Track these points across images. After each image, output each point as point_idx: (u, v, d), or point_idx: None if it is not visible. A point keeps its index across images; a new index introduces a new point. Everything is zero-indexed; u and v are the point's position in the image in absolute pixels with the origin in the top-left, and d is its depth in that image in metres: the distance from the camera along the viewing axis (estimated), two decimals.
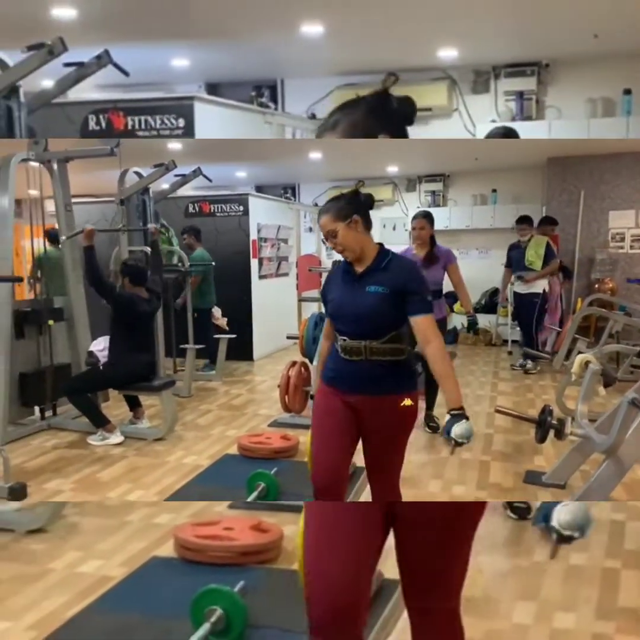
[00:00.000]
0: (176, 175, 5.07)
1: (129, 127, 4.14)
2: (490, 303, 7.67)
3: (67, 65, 2.94)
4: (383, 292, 1.78)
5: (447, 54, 5.20)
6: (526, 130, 5.34)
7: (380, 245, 1.90)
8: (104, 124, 4.15)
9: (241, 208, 6.39)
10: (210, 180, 5.23)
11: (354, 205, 1.86)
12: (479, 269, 7.33)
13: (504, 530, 2.53)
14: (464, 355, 6.76)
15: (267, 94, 5.92)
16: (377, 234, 8.84)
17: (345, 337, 1.82)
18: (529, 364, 5.54)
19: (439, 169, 7.73)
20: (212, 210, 6.42)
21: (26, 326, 3.75)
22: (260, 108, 5.53)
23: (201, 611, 1.75)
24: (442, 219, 7.89)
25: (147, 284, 3.73)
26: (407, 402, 1.83)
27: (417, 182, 8.07)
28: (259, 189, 8.04)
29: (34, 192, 3.85)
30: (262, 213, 6.73)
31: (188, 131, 4.19)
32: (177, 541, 2.24)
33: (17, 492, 2.73)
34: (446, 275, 3.68)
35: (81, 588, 2.12)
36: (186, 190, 6.11)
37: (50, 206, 4.17)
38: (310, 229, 8.51)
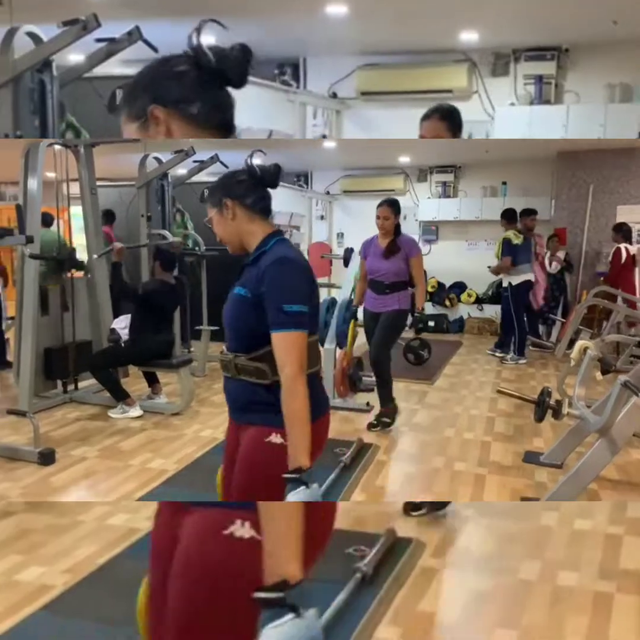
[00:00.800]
0: (194, 161, 5.21)
1: None
2: (496, 294, 7.79)
3: (99, 40, 2.94)
4: (244, 296, 1.41)
5: (469, 36, 5.27)
6: (544, 114, 5.44)
7: (273, 232, 1.47)
8: None
9: None
10: (226, 167, 5.36)
11: (227, 187, 1.46)
12: (487, 260, 7.44)
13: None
14: (470, 344, 6.91)
15: (290, 72, 5.94)
16: None
17: (223, 348, 1.49)
18: (521, 360, 5.62)
19: (450, 160, 7.83)
20: None
21: (51, 302, 3.94)
22: (283, 86, 5.55)
23: None
24: (453, 209, 8.02)
25: (175, 271, 3.91)
26: (273, 438, 1.38)
27: (428, 172, 8.16)
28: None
29: (50, 174, 3.99)
30: (275, 200, 6.82)
31: None
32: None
33: (47, 457, 2.93)
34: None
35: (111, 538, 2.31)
36: (202, 176, 6.25)
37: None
38: (322, 217, 8.65)
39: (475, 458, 3.15)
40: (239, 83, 1.01)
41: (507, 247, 5.65)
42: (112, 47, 2.99)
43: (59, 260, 3.92)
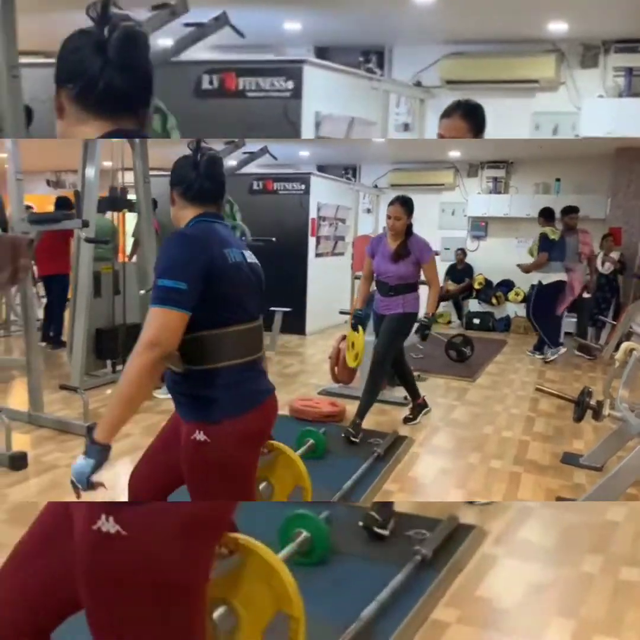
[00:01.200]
0: (244, 153, 5.31)
1: (240, 87, 4.25)
2: None
3: (187, 25, 3.00)
4: None
5: (557, 27, 5.15)
6: (633, 107, 5.23)
7: (199, 215, 1.43)
8: (216, 84, 4.27)
9: (303, 187, 6.59)
10: (275, 159, 5.44)
11: (171, 175, 1.46)
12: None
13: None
14: (515, 343, 6.78)
15: (375, 60, 5.94)
16: (436, 219, 8.85)
17: None
18: (537, 354, 5.84)
19: (502, 155, 7.67)
20: (275, 188, 6.66)
21: (103, 285, 4.13)
22: (367, 73, 5.54)
23: (289, 533, 2.00)
24: (503, 206, 7.87)
25: None
26: (197, 435, 1.34)
27: (479, 167, 8.03)
28: (321, 168, 8.20)
29: (107, 163, 4.15)
30: (323, 192, 6.91)
31: (296, 93, 4.28)
32: (291, 407, 3.53)
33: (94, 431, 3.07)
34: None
35: None
36: (251, 168, 6.36)
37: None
38: (369, 210, 8.64)
39: (511, 456, 3.11)
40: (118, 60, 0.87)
41: (544, 243, 5.52)
42: (200, 32, 3.03)
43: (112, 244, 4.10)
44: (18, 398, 3.87)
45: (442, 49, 5.63)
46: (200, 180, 1.42)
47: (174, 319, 1.26)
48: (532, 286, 5.98)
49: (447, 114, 2.00)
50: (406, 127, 5.93)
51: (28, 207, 4.34)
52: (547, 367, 5.46)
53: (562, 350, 5.60)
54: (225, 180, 1.49)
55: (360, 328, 3.42)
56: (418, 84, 5.72)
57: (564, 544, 2.29)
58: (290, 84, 4.28)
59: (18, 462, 2.69)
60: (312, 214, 6.65)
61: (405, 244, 3.24)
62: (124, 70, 0.88)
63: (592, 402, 2.59)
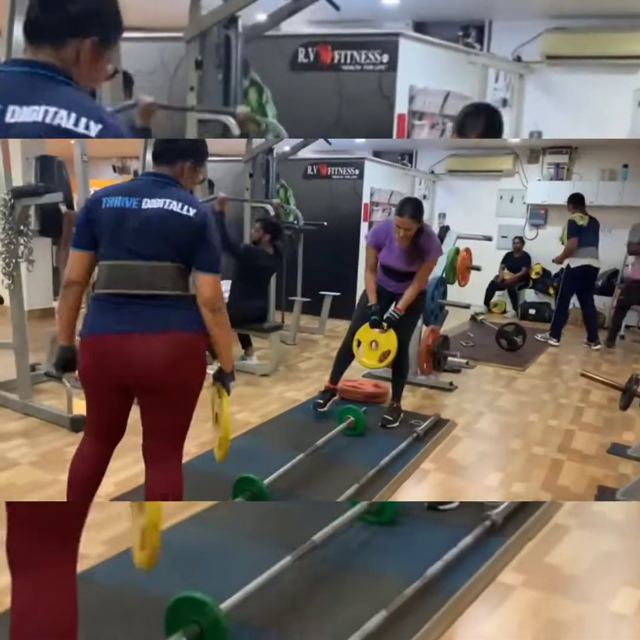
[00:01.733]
0: None
1: (336, 60, 4.29)
2: (607, 285, 7.31)
3: None
4: None
5: None
6: None
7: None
8: (312, 57, 4.32)
9: (357, 172, 6.60)
10: (329, 143, 5.45)
11: None
12: (601, 249, 7.00)
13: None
14: (571, 334, 6.56)
15: (474, 35, 5.81)
16: (494, 206, 8.63)
17: None
18: (552, 341, 5.91)
19: (565, 140, 7.39)
20: (329, 173, 6.70)
21: None
22: (465, 48, 5.46)
23: (342, 417, 2.92)
24: (565, 193, 7.53)
25: (277, 243, 4.12)
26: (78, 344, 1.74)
27: (540, 153, 7.78)
28: (377, 154, 8.17)
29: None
30: (377, 178, 6.90)
31: (391, 67, 4.28)
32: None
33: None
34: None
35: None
36: (306, 153, 6.43)
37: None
38: (425, 196, 8.53)
39: (556, 444, 3.06)
40: None
41: (572, 229, 5.69)
42: (295, 5, 3.04)
43: None
44: None
45: (543, 24, 5.43)
46: (157, 160, 1.70)
47: (73, 256, 1.68)
48: (609, 279, 5.93)
49: (399, 213, 2.80)
50: (505, 102, 5.78)
51: None
52: (602, 359, 5.28)
53: (554, 342, 5.86)
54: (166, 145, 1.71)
55: (385, 325, 3.06)
56: (518, 59, 5.58)
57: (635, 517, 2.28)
58: (385, 57, 4.27)
59: (78, 424, 2.89)
60: (365, 199, 6.66)
61: (416, 245, 3.00)
62: None
63: None
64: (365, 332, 3.12)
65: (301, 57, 4.35)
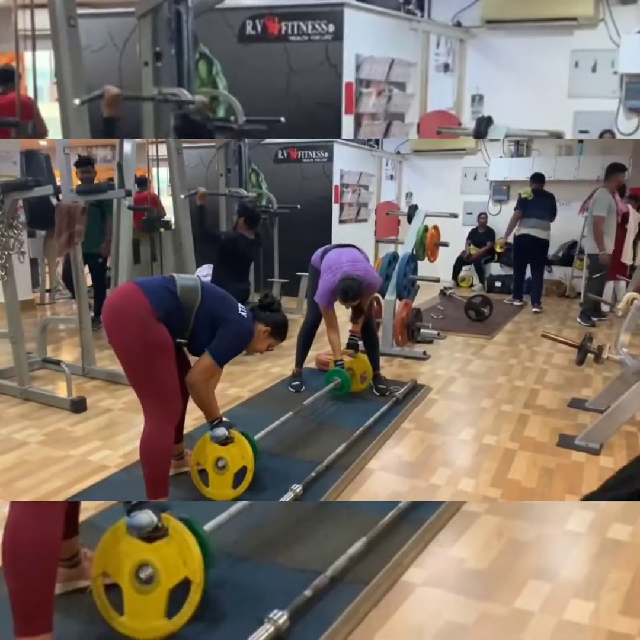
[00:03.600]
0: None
1: (283, 32, 4.41)
2: (567, 255, 7.70)
3: None
4: None
5: None
6: None
7: None
8: (260, 29, 4.43)
9: (326, 154, 6.77)
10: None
11: None
12: (558, 221, 7.35)
13: None
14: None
15: (415, 2, 5.91)
16: (458, 184, 8.92)
17: None
18: (515, 302, 6.75)
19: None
20: (299, 157, 6.85)
21: (142, 253, 4.45)
22: (407, 15, 5.59)
23: (330, 379, 3.21)
24: (525, 169, 7.89)
25: (256, 228, 4.27)
26: None
27: None
28: (339, 137, 8.31)
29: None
30: (346, 160, 7.08)
31: (337, 36, 4.42)
32: (317, 360, 3.94)
33: None
34: None
35: None
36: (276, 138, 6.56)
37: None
38: (392, 177, 8.77)
39: (522, 401, 3.36)
40: None
41: (518, 202, 6.66)
42: None
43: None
44: (69, 355, 4.26)
45: None
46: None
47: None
48: (570, 249, 6.42)
49: (343, 302, 3.16)
50: (446, 67, 5.97)
51: None
52: (564, 326, 5.63)
53: (517, 303, 6.71)
54: None
55: (352, 351, 3.41)
56: (458, 25, 5.75)
57: None
58: (331, 27, 4.42)
59: (78, 405, 3.06)
60: (335, 181, 6.85)
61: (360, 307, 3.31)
62: None
63: (593, 347, 2.81)
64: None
65: (249, 29, 4.44)
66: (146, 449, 1.94)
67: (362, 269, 3.21)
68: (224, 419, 2.19)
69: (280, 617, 1.47)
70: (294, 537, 1.96)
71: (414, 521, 2.00)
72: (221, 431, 2.13)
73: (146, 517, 1.43)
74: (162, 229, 4.49)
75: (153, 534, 1.45)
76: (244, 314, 2.14)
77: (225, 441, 2.13)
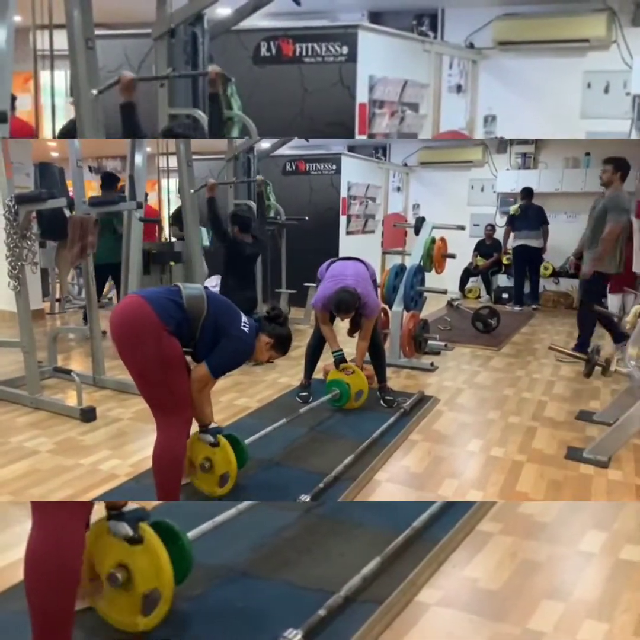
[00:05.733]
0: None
1: (297, 53, 4.48)
2: (576, 267, 7.69)
3: None
4: None
5: None
6: None
7: None
8: (274, 51, 4.50)
9: (334, 167, 6.83)
10: (307, 141, 5.65)
11: None
12: (566, 233, 7.36)
13: None
14: (543, 316, 6.94)
15: (427, 23, 6.03)
16: (465, 196, 8.97)
17: None
18: (516, 307, 7.26)
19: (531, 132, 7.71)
20: (307, 169, 6.92)
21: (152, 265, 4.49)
22: (420, 37, 5.67)
23: (329, 390, 3.24)
24: (532, 181, 7.93)
25: (252, 231, 4.32)
26: None
27: (508, 144, 8.10)
28: (351, 148, 8.41)
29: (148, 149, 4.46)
30: (353, 172, 7.14)
31: (351, 57, 4.48)
32: (324, 371, 3.80)
33: None
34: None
35: None
36: (284, 150, 6.62)
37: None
38: (399, 189, 8.82)
39: (530, 413, 3.36)
40: None
41: (507, 219, 7.51)
42: (258, 0, 3.17)
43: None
44: (79, 364, 4.30)
45: (494, 11, 5.67)
46: None
47: None
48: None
49: (337, 314, 3.18)
50: (459, 88, 6.02)
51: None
52: (571, 339, 5.62)
53: (518, 308, 7.20)
54: None
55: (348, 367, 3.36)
56: (471, 46, 5.81)
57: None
58: (345, 49, 4.48)
59: (88, 414, 3.09)
60: (343, 193, 6.90)
61: (356, 316, 3.35)
62: None
63: (601, 359, 2.81)
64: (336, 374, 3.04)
65: (263, 51, 4.52)
66: (159, 458, 1.96)
67: (364, 288, 3.24)
68: (214, 424, 2.27)
69: (294, 636, 1.48)
70: (307, 554, 1.96)
71: (427, 541, 2.00)
72: (207, 437, 2.23)
73: (122, 528, 1.51)
74: (172, 263, 4.56)
75: (129, 541, 1.52)
76: (246, 328, 2.12)
77: (212, 445, 2.23)
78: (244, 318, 2.16)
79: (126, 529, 1.50)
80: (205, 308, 2.03)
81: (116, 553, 1.53)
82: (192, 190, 4.25)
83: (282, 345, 2.29)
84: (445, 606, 1.73)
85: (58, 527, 1.37)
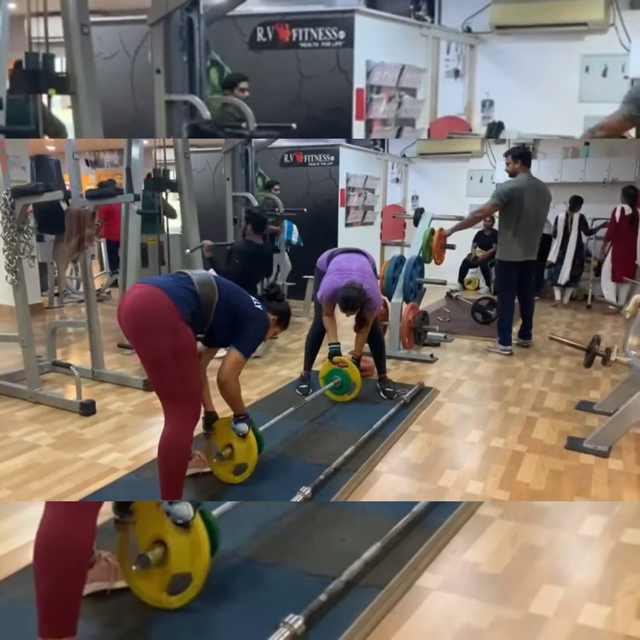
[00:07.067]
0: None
1: (294, 38, 4.43)
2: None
3: None
4: None
5: None
6: None
7: None
8: (271, 36, 4.45)
9: (332, 158, 6.79)
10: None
11: None
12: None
13: None
14: (542, 305, 6.90)
15: (425, 7, 5.96)
16: (464, 186, 8.92)
17: None
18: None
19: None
20: (305, 160, 6.88)
21: (150, 256, 4.48)
22: (417, 21, 5.61)
23: (330, 378, 3.27)
24: (532, 172, 7.88)
25: (265, 232, 4.25)
26: None
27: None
28: (349, 140, 8.35)
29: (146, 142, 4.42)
30: (352, 163, 7.10)
31: (348, 42, 4.43)
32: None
33: (150, 385, 3.44)
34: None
35: None
36: (282, 142, 6.59)
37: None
38: (397, 180, 8.78)
39: (530, 404, 3.36)
40: None
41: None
42: None
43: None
44: (78, 358, 4.29)
45: None
46: None
47: None
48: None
49: (343, 311, 3.15)
50: (456, 73, 5.98)
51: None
52: (571, 328, 5.62)
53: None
54: None
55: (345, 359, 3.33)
56: (468, 30, 5.76)
57: None
58: (342, 34, 4.43)
59: (88, 408, 3.08)
60: (341, 184, 6.87)
61: (361, 311, 3.26)
62: None
63: (601, 349, 2.81)
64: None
65: (260, 36, 4.47)
66: (166, 449, 1.95)
67: (369, 284, 3.23)
68: (248, 416, 2.31)
69: (295, 621, 1.47)
70: (308, 540, 1.97)
71: (428, 526, 2.00)
72: (243, 427, 2.27)
73: (185, 509, 1.58)
74: (168, 190, 4.42)
75: (181, 524, 1.58)
76: (260, 306, 2.22)
77: (242, 437, 2.27)
78: (252, 297, 2.23)
79: (189, 509, 1.58)
80: (216, 292, 2.06)
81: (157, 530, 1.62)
82: (187, 251, 4.18)
83: (284, 320, 2.44)
84: (446, 591, 1.73)
85: (71, 508, 1.38)
